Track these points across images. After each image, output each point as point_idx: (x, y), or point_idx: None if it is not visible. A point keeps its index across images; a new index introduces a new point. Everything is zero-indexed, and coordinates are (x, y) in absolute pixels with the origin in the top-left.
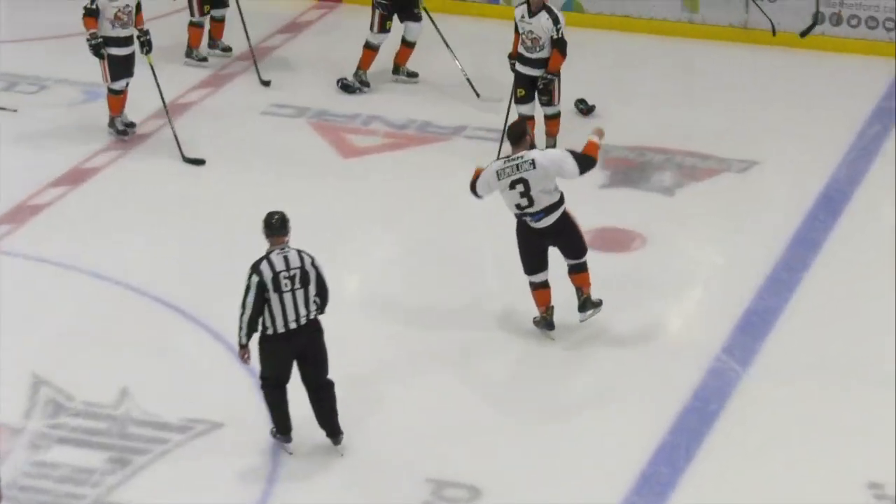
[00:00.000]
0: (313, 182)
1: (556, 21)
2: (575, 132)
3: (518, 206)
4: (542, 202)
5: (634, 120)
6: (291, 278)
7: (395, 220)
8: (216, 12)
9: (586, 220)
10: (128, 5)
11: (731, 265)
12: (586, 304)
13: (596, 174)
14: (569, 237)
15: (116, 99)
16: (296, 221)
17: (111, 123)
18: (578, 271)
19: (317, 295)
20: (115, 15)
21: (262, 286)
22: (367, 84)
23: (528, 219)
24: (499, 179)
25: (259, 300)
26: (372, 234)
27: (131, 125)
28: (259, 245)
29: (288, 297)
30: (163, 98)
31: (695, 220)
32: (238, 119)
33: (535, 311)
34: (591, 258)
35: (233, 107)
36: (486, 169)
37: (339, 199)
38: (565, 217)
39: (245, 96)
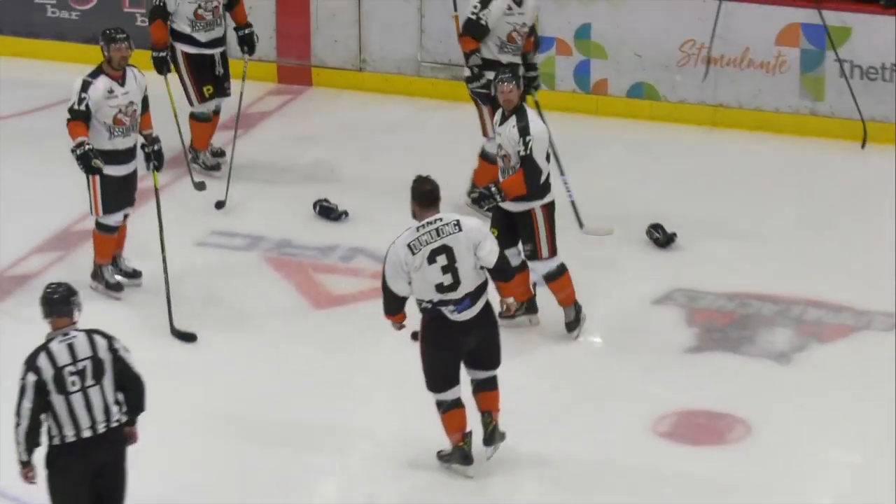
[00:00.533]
0: (275, 345)
1: (523, 132)
2: (647, 278)
3: (438, 288)
4: (467, 284)
5: (732, 255)
6: (80, 373)
7: (393, 403)
8: (217, 101)
9: (666, 398)
10: (132, 103)
11: (872, 468)
12: (494, 434)
13: (680, 333)
14: (489, 337)
15: (107, 239)
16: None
17: (96, 274)
18: (490, 388)
19: (122, 391)
20: (115, 118)
21: (40, 387)
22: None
23: (447, 310)
24: (413, 254)
25: (38, 405)
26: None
27: (133, 274)
28: None
29: (77, 398)
30: (162, 241)
31: (820, 400)
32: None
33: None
34: (672, 453)
35: (155, 236)
36: (390, 249)
37: (311, 371)
38: (489, 309)
39: (175, 219)
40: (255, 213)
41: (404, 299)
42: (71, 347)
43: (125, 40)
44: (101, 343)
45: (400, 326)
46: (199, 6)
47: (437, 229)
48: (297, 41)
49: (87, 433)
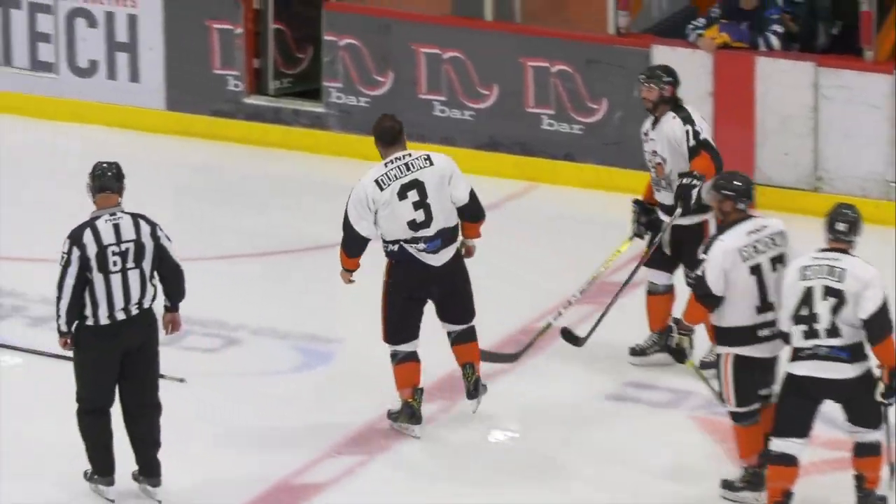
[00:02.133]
0: None
1: (687, 120)
2: None
3: (411, 225)
4: (441, 220)
5: None
6: (122, 254)
7: None
8: None
9: None
10: None
11: None
12: (478, 387)
13: None
14: (459, 287)
15: None
16: None
17: None
18: (467, 339)
19: (161, 278)
20: None
21: (83, 263)
22: None
23: (416, 248)
24: (381, 189)
25: (80, 281)
26: None
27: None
28: None
29: (116, 279)
30: None
31: None
32: None
33: None
34: None
35: None
36: (354, 187)
37: None
38: (459, 257)
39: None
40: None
41: (366, 241)
42: (116, 228)
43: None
44: (146, 228)
45: (349, 279)
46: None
47: (406, 164)
48: (738, 154)
49: (120, 315)
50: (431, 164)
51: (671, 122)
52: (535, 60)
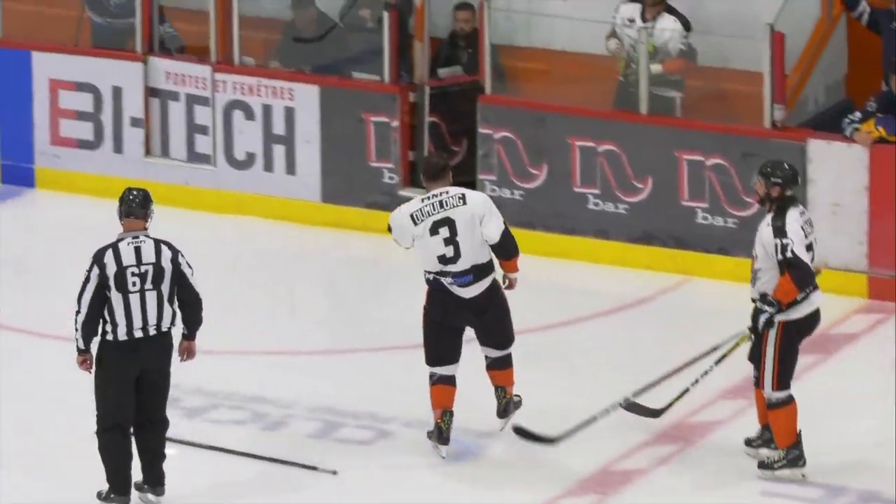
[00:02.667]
0: None
1: (779, 232)
2: None
3: (440, 260)
4: (470, 257)
5: None
6: (141, 276)
7: None
8: None
9: None
10: None
11: None
12: (508, 407)
13: None
14: (495, 317)
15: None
16: None
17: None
18: (502, 367)
19: (179, 304)
20: None
21: (102, 281)
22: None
23: (448, 281)
24: (415, 224)
25: (98, 298)
26: None
27: None
28: None
29: (134, 298)
30: None
31: None
32: None
33: None
34: None
35: None
36: (392, 215)
37: None
38: (495, 289)
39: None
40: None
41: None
42: (138, 251)
43: None
44: (167, 253)
45: None
46: None
47: (441, 201)
48: (892, 248)
49: (138, 333)
50: (465, 203)
51: (765, 228)
52: (691, 154)
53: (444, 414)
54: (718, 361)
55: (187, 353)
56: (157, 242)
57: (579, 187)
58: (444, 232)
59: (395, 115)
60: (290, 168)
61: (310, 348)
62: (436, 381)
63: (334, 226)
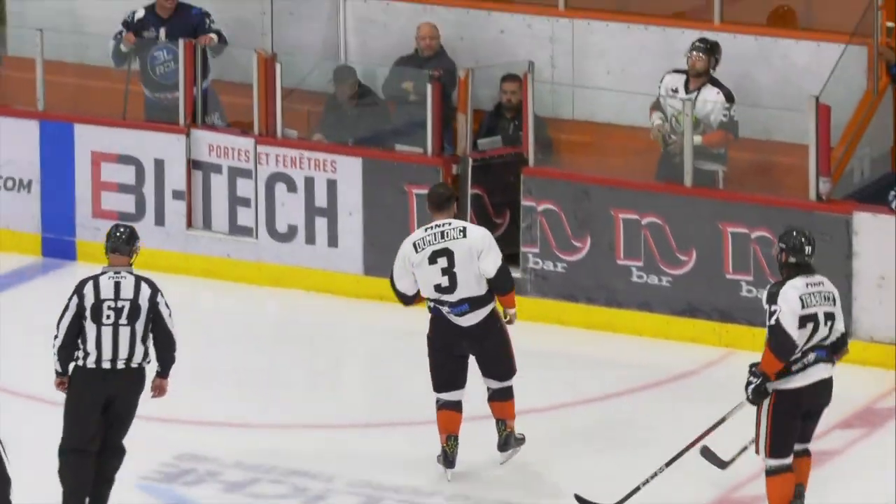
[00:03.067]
0: None
1: (772, 298)
2: None
3: (437, 289)
4: (465, 289)
5: None
6: (117, 311)
7: None
8: None
9: None
10: None
11: None
12: (509, 441)
13: None
14: (494, 347)
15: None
16: None
17: None
18: (502, 398)
19: (154, 342)
20: None
21: (79, 311)
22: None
23: (445, 310)
24: (416, 252)
25: (74, 325)
26: None
27: None
28: None
29: (107, 331)
30: None
31: None
32: None
33: None
34: None
35: None
36: (401, 246)
37: None
38: (493, 320)
39: None
40: None
41: (412, 296)
42: (117, 286)
43: None
44: (145, 291)
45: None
46: None
47: (442, 232)
48: None
49: (106, 364)
50: (464, 236)
51: (765, 291)
52: (735, 226)
53: (449, 439)
54: (715, 426)
55: (158, 390)
56: (139, 280)
57: (623, 260)
58: (442, 262)
59: None
60: (333, 240)
61: (350, 422)
62: (441, 406)
63: (377, 298)
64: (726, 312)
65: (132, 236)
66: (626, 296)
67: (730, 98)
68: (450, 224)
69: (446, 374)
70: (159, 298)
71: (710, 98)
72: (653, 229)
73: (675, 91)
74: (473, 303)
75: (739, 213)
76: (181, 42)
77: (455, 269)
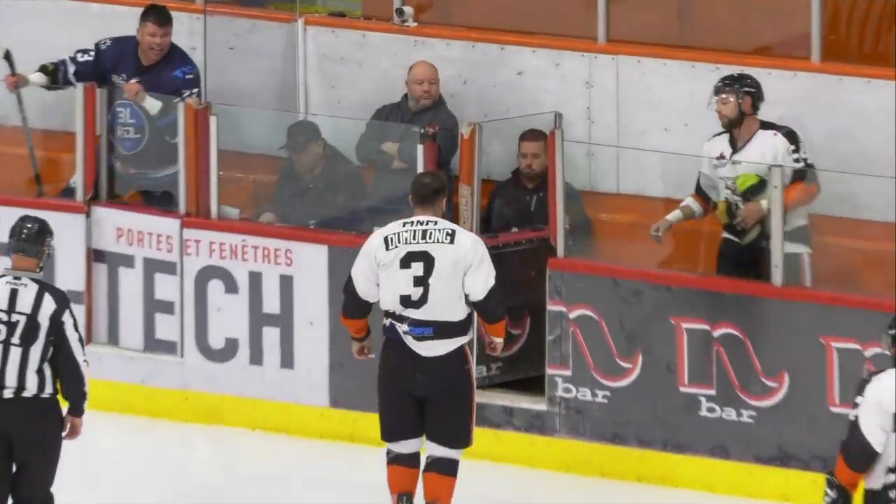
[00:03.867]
0: None
1: (858, 389)
2: None
3: (403, 300)
4: (437, 309)
5: None
6: (9, 326)
7: None
8: None
9: None
10: None
11: None
12: None
13: None
14: (450, 398)
15: None
16: None
17: None
18: (441, 471)
19: (57, 371)
20: None
21: None
22: None
23: (403, 329)
24: (387, 249)
25: None
26: None
27: None
28: None
29: None
30: None
31: None
32: None
33: None
34: None
35: None
36: (368, 239)
37: None
38: (461, 360)
39: None
40: None
41: (366, 305)
42: (13, 295)
43: None
44: (48, 306)
45: (359, 345)
46: None
47: (424, 231)
48: None
49: None
50: (451, 242)
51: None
52: (841, 339)
53: (401, 499)
54: None
55: (71, 431)
56: (42, 290)
57: (687, 386)
58: (417, 268)
59: None
60: (287, 360)
61: None
62: (391, 459)
63: (347, 439)
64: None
65: (42, 233)
66: (693, 436)
67: (793, 137)
68: (435, 223)
69: (398, 420)
70: (65, 317)
71: (766, 146)
72: (728, 344)
73: (721, 157)
74: (441, 330)
75: (847, 322)
76: (80, 86)
77: (431, 281)
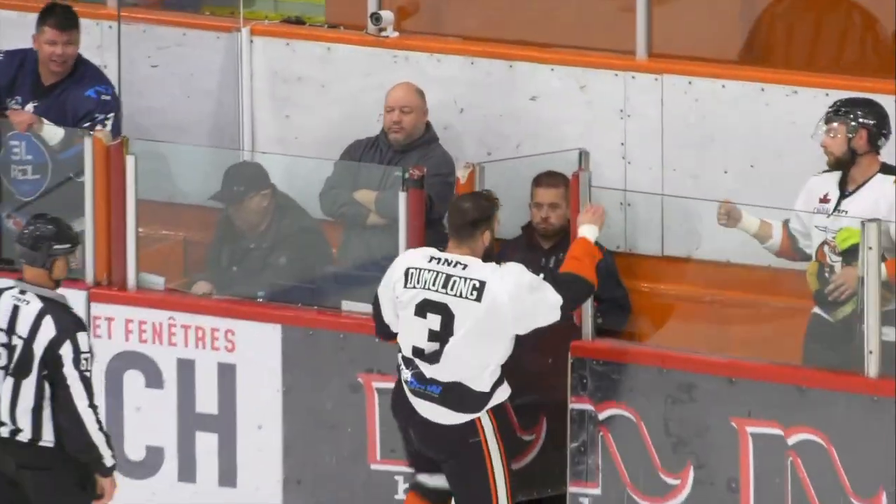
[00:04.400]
0: None
1: None
2: None
3: (414, 351)
4: (452, 371)
5: None
6: (8, 349)
7: None
8: None
9: None
10: None
11: None
12: None
13: None
14: (458, 469)
15: None
16: None
17: None
18: None
19: (53, 416)
20: None
21: None
22: None
23: (406, 376)
24: (405, 284)
25: None
26: None
27: None
28: None
29: None
30: None
31: None
32: None
33: None
34: None
35: None
36: (396, 260)
37: None
38: (472, 438)
39: None
40: None
41: (389, 330)
42: (15, 312)
43: None
44: (47, 331)
45: None
46: None
47: (448, 276)
48: None
49: None
50: (479, 300)
51: None
52: None
53: None
54: None
55: (102, 492)
56: (45, 311)
57: None
58: (433, 322)
59: None
60: (228, 476)
61: None
62: (410, 485)
63: None
64: None
65: (40, 238)
66: None
67: None
68: (465, 266)
69: (406, 448)
70: (64, 350)
71: (882, 195)
72: (808, 454)
73: (826, 200)
74: (451, 395)
75: None
76: None
77: (452, 340)
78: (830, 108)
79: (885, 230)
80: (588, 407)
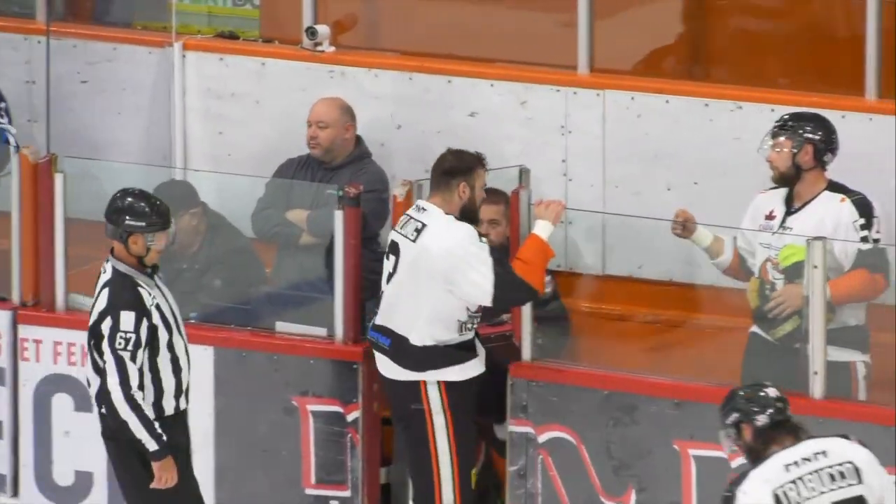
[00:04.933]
0: None
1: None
2: None
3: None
4: (392, 318)
5: None
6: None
7: None
8: None
9: None
10: None
11: None
12: None
13: None
14: (407, 438)
15: None
16: None
17: None
18: None
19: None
20: None
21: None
22: None
23: (369, 328)
24: (392, 227)
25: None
26: None
27: None
28: None
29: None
30: None
31: None
32: None
33: None
34: None
35: None
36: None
37: None
38: (416, 392)
39: None
40: None
41: None
42: (97, 282)
43: None
44: (100, 305)
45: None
46: None
47: (408, 217)
48: None
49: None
50: (414, 241)
51: None
52: None
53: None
54: None
55: (157, 476)
56: (109, 282)
57: None
58: (389, 264)
59: (352, 402)
60: None
61: None
62: None
63: None
64: None
65: (120, 210)
66: None
67: (865, 208)
68: (423, 211)
69: None
70: (104, 326)
71: (828, 213)
72: None
73: (772, 217)
74: (398, 348)
75: None
76: None
77: (394, 280)
78: (777, 122)
79: (829, 249)
80: (528, 429)
